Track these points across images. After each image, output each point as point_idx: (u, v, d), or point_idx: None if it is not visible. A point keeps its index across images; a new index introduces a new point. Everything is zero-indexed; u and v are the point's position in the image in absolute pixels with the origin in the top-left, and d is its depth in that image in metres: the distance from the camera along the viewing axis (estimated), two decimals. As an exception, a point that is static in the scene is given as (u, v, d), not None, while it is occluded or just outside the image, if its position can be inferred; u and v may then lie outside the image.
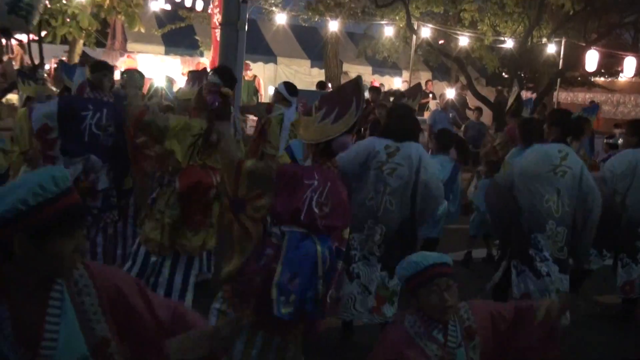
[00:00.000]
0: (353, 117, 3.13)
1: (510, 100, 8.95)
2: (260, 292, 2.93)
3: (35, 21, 6.66)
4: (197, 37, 16.29)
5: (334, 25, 15.29)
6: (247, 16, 9.36)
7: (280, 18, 15.03)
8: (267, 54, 17.66)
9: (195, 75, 5.21)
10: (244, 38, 9.17)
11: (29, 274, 1.65)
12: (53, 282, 1.69)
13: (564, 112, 5.05)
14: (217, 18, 10.65)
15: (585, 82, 21.35)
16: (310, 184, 3.08)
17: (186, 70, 16.59)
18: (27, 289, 1.66)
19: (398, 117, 4.56)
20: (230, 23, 8.93)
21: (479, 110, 13.07)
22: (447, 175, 5.86)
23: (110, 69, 4.85)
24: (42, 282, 1.67)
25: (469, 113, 15.01)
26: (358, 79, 3.30)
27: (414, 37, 15.14)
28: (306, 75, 18.53)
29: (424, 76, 19.36)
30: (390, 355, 2.50)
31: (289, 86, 6.86)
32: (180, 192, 4.01)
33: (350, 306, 4.36)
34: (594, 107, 8.77)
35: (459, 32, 16.02)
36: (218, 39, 10.45)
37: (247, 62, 13.86)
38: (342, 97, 3.23)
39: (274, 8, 14.75)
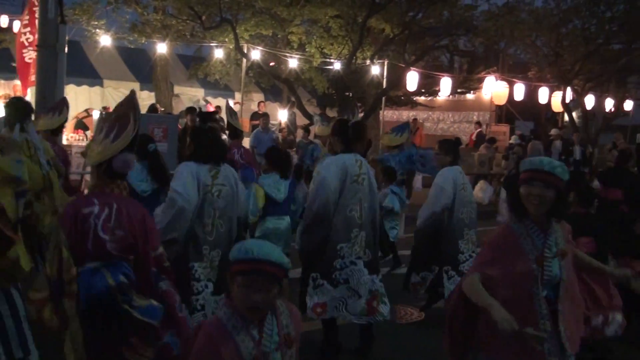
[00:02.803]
0: (131, 134, 3.17)
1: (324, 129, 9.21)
2: None
3: None
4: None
5: (162, 48, 14.96)
6: (68, 38, 8.89)
7: (105, 40, 14.42)
8: (92, 77, 16.87)
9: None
10: (64, 60, 8.71)
11: None
12: None
13: (342, 121, 5.20)
14: (25, 38, 9.99)
15: (408, 101, 22.64)
16: (90, 211, 3.05)
17: (2, 93, 15.46)
18: None
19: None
20: (47, 45, 8.45)
21: (306, 129, 13.39)
22: (286, 193, 6.02)
23: None
24: None
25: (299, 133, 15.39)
26: (132, 94, 3.34)
27: (244, 59, 15.21)
28: (135, 99, 17.96)
29: (256, 97, 19.53)
30: (206, 351, 2.41)
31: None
32: None
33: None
34: (403, 125, 9.19)
35: (288, 55, 16.34)
36: (27, 60, 9.80)
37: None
38: (119, 115, 3.25)
39: (97, 30, 14.13)
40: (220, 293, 4.24)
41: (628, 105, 23.49)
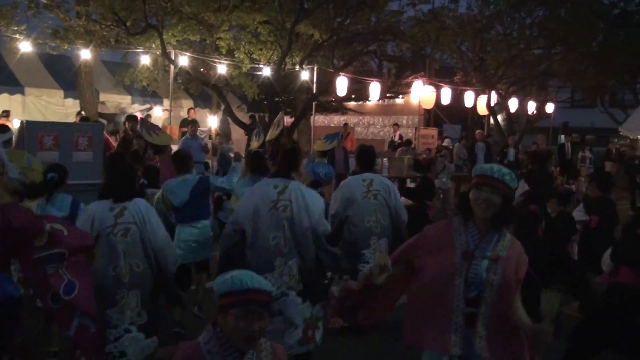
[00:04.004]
0: None
1: (273, 132, 9.23)
2: None
3: None
4: None
5: (85, 54, 14.55)
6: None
7: (25, 46, 13.90)
8: (12, 85, 16.24)
9: None
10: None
11: None
12: None
13: (279, 147, 5.22)
14: None
15: (339, 106, 22.84)
16: None
17: None
18: None
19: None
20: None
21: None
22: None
23: None
24: None
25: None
26: None
27: (172, 65, 14.98)
28: (59, 107, 17.41)
29: (185, 104, 19.28)
30: None
31: None
32: None
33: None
34: (335, 134, 9.57)
35: (216, 60, 16.19)
36: None
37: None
38: None
39: (17, 35, 13.62)
40: (148, 334, 4.14)
41: (549, 107, 24.40)
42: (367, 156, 6.11)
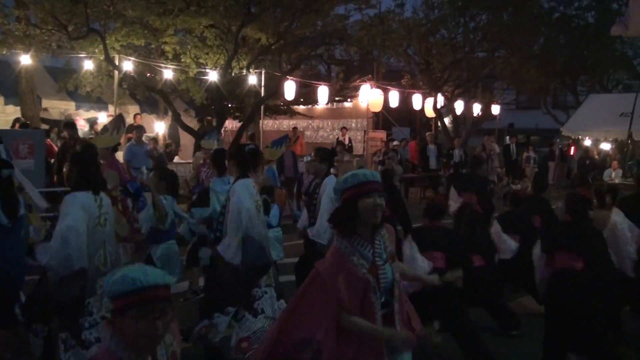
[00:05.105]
0: None
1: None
2: None
3: None
4: None
5: (26, 59, 14.18)
6: None
7: (-39, 51, 13.50)
8: (-52, 92, 15.75)
9: None
10: None
11: None
12: None
13: (240, 146, 5.37)
14: None
15: (287, 110, 22.83)
16: None
17: None
18: None
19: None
20: None
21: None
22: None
23: None
24: None
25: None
26: None
27: (116, 70, 14.72)
28: (0, 114, 16.93)
29: (131, 109, 18.96)
30: None
31: None
32: None
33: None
34: (282, 138, 9.62)
35: (162, 65, 15.98)
36: None
37: None
38: None
39: (-49, 40, 13.19)
40: None
41: (495, 109, 24.90)
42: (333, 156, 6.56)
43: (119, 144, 7.43)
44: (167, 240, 6.22)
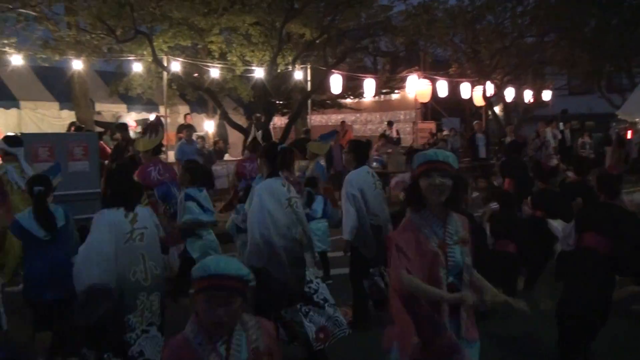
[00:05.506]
0: None
1: (252, 134, 9.23)
2: None
3: None
4: None
5: (77, 64, 14.58)
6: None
7: (17, 59, 13.94)
8: (7, 99, 16.27)
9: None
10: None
11: None
12: None
13: (271, 144, 5.35)
14: None
15: (335, 104, 22.84)
16: None
17: None
18: None
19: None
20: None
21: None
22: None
23: None
24: None
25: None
26: None
27: (165, 72, 14.99)
28: (55, 119, 17.41)
29: (182, 110, 19.32)
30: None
31: (8, 139, 6.60)
32: None
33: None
34: (331, 132, 9.64)
35: (209, 64, 16.18)
36: None
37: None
38: None
39: (7, 49, 13.64)
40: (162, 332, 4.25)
41: (546, 95, 24.33)
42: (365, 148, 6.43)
43: (162, 145, 7.51)
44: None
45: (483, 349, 3.28)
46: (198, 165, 6.92)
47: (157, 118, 7.97)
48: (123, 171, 4.49)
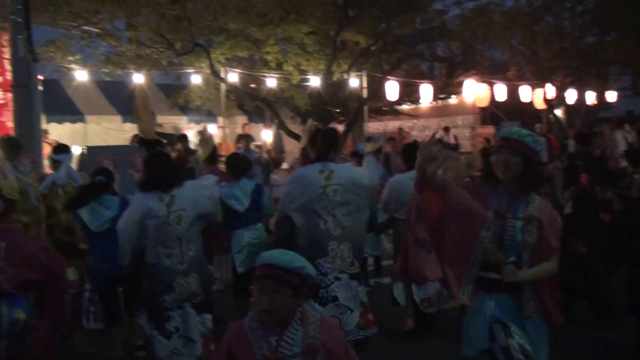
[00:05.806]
0: None
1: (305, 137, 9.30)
2: None
3: None
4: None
5: (138, 78, 15.03)
6: (45, 76, 8.98)
7: (81, 75, 14.49)
8: (73, 114, 16.90)
9: None
10: (39, 99, 8.82)
11: None
12: None
13: (317, 130, 5.28)
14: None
15: (391, 110, 22.73)
16: None
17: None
18: None
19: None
20: (21, 85, 8.52)
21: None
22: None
23: None
24: None
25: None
26: None
27: (223, 83, 15.29)
28: (118, 132, 17.94)
29: (240, 120, 19.57)
30: (225, 347, 2.61)
31: (55, 148, 6.92)
32: None
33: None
34: (379, 136, 9.73)
35: (266, 74, 16.41)
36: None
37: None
38: None
39: (73, 65, 14.20)
40: (206, 311, 4.32)
41: (611, 96, 23.58)
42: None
43: (217, 155, 7.73)
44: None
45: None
46: (236, 156, 6.71)
47: (203, 131, 8.18)
48: (155, 157, 4.52)
